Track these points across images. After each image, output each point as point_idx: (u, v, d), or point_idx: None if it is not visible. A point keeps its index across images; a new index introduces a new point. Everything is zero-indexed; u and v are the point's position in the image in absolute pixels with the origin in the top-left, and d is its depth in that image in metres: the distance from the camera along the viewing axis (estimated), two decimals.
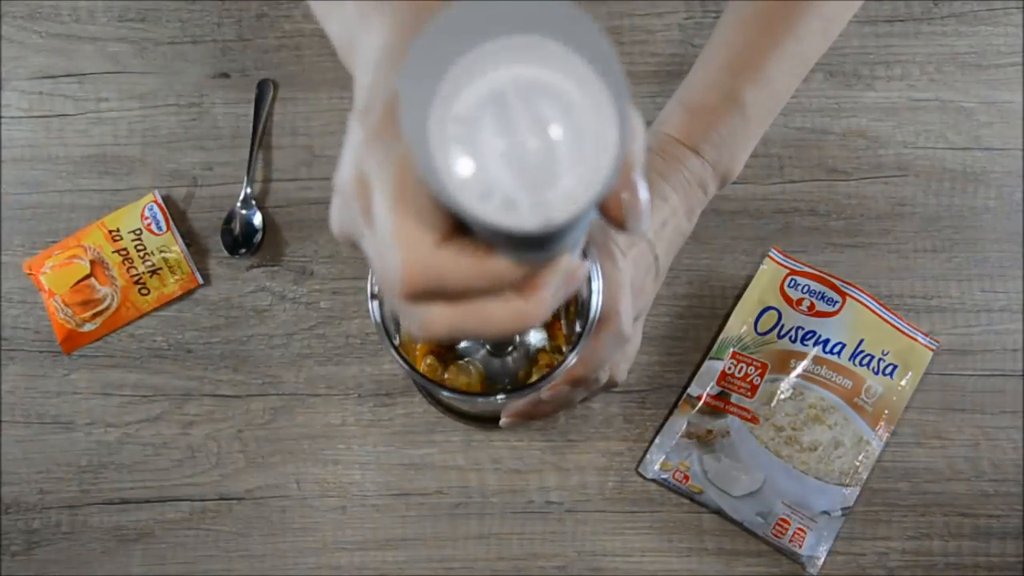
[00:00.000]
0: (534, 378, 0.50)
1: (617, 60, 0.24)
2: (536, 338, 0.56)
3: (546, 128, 0.24)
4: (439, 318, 0.28)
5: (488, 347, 0.55)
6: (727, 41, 0.58)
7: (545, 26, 0.23)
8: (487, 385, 0.55)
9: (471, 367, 0.55)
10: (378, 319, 0.47)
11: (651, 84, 0.70)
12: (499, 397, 0.51)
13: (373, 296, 0.47)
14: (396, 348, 0.47)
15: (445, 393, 0.50)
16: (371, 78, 0.30)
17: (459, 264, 0.26)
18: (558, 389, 0.53)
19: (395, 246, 0.26)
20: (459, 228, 0.26)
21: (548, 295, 0.29)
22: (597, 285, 0.48)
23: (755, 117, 0.57)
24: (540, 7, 0.23)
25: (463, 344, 0.55)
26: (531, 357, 0.56)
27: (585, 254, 0.48)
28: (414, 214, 0.26)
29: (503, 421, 0.58)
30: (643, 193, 0.28)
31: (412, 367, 0.48)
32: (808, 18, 0.56)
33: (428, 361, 0.56)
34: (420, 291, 0.27)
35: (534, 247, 0.26)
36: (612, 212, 0.28)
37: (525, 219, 0.24)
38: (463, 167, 0.24)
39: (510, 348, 0.55)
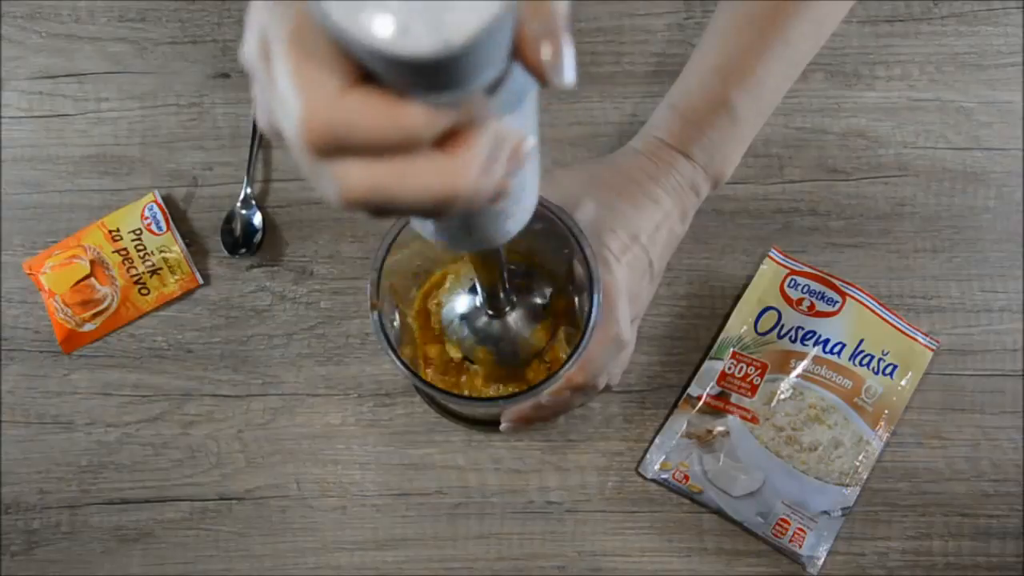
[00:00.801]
0: (534, 383, 0.50)
1: None
2: (537, 296, 0.55)
3: None
4: (353, 175, 0.25)
5: (482, 304, 0.53)
6: (717, 44, 0.58)
7: None
8: (497, 368, 0.55)
9: (479, 349, 0.55)
10: (378, 326, 0.47)
11: (652, 84, 0.70)
12: (500, 402, 0.51)
13: (373, 306, 0.47)
14: (397, 353, 0.47)
15: (446, 398, 0.50)
16: None
17: (367, 110, 0.24)
18: (558, 394, 0.53)
19: (295, 93, 0.24)
20: (366, 78, 0.24)
21: (477, 155, 0.26)
22: (597, 291, 0.48)
23: (746, 120, 0.57)
24: None
25: (464, 333, 0.55)
26: (535, 320, 0.55)
27: (582, 250, 0.48)
28: (315, 59, 0.24)
29: (503, 426, 0.58)
30: (567, 43, 0.25)
31: (413, 372, 0.48)
32: (798, 20, 0.56)
33: (430, 372, 0.57)
34: (325, 141, 0.25)
35: (440, 82, 0.24)
36: (529, 57, 0.25)
37: (421, 42, 0.22)
38: None
39: (506, 306, 0.53)
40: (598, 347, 0.51)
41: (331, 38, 0.23)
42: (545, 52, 0.25)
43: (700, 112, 0.57)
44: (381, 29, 0.22)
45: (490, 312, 0.53)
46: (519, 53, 0.25)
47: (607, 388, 0.58)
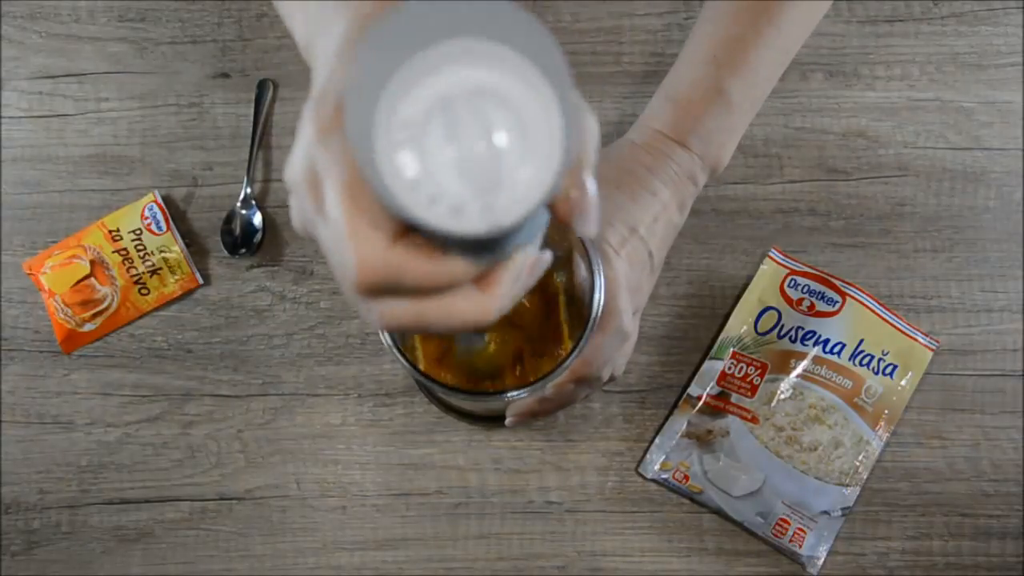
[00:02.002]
0: (538, 376, 0.50)
1: (563, 61, 0.23)
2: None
3: (492, 132, 0.23)
4: (396, 312, 0.28)
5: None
6: (710, 33, 0.58)
7: (492, 28, 0.23)
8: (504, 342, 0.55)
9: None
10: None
11: (652, 84, 0.70)
12: (505, 396, 0.51)
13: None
14: (400, 351, 0.47)
15: (450, 394, 0.50)
16: (326, 71, 0.30)
17: (413, 264, 0.26)
18: (562, 387, 0.53)
19: (348, 243, 0.26)
20: (411, 228, 0.26)
21: (506, 289, 0.29)
22: (599, 284, 0.48)
23: (741, 108, 0.58)
24: (487, 8, 0.23)
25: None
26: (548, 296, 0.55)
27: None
28: (366, 212, 0.26)
29: (508, 420, 0.58)
30: (591, 192, 0.28)
31: (419, 370, 0.48)
32: (789, 7, 0.57)
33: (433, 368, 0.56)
34: (374, 288, 0.27)
35: (486, 247, 0.26)
36: (560, 211, 0.28)
37: (473, 223, 0.24)
38: (409, 172, 0.23)
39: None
40: (601, 339, 0.52)
41: (383, 203, 0.24)
42: (575, 207, 0.28)
43: (695, 101, 0.57)
44: (438, 212, 0.24)
45: None
46: (551, 207, 0.28)
47: (611, 379, 0.58)
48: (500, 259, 0.28)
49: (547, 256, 0.31)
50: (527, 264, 0.30)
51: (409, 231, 0.26)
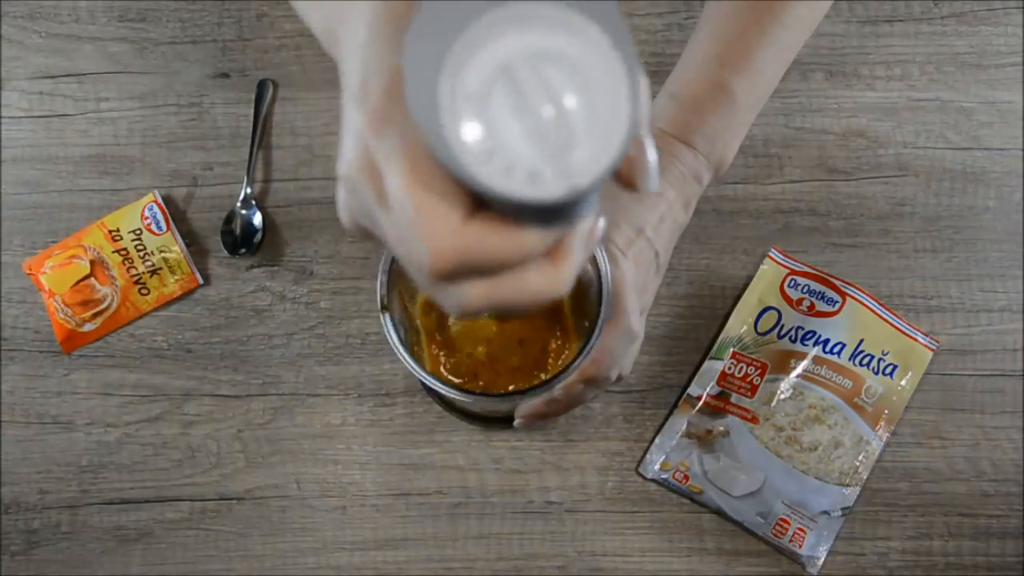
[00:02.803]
0: (546, 378, 0.50)
1: (622, 19, 0.23)
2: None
3: (560, 96, 0.23)
4: (474, 294, 0.28)
5: None
6: (713, 31, 0.58)
7: None
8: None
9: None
10: (390, 328, 0.47)
11: (652, 84, 0.70)
12: (513, 397, 0.51)
13: (384, 308, 0.47)
14: (409, 354, 0.47)
15: (458, 396, 0.50)
16: (360, 60, 0.29)
17: (489, 240, 0.26)
18: (571, 387, 0.53)
19: (419, 228, 0.26)
20: (481, 201, 0.26)
21: (575, 258, 0.28)
22: (607, 285, 0.48)
23: (745, 106, 0.57)
24: None
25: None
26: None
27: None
28: (434, 193, 0.25)
29: (517, 422, 0.58)
30: (651, 152, 0.27)
31: (427, 372, 0.48)
32: (792, 5, 0.57)
33: (441, 370, 0.56)
34: (452, 270, 0.26)
35: (559, 215, 0.26)
36: (623, 172, 0.27)
37: (551, 189, 0.23)
38: (481, 144, 0.23)
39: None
40: (610, 340, 0.52)
41: (456, 179, 0.24)
42: (638, 166, 0.27)
43: (700, 100, 0.57)
44: (514, 180, 0.23)
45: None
46: (616, 171, 0.27)
47: (619, 378, 0.58)
48: (570, 226, 0.28)
49: (603, 222, 0.31)
50: (588, 231, 0.29)
51: (479, 209, 0.26)
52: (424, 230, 0.26)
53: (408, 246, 0.27)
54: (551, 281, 0.28)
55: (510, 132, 0.23)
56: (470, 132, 0.23)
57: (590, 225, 0.29)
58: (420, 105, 0.23)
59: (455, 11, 0.23)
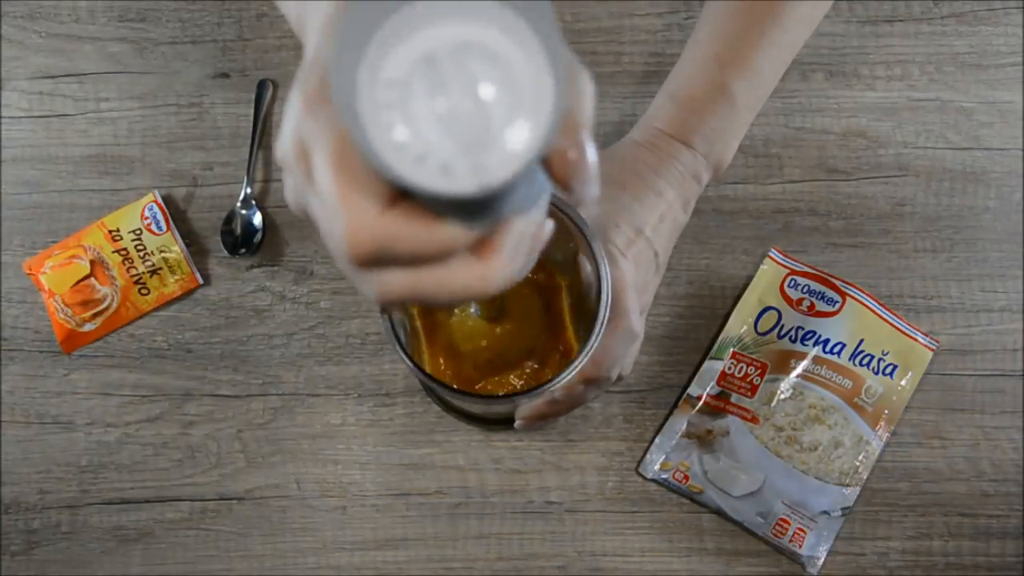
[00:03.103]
0: (547, 379, 0.50)
1: (551, 14, 0.23)
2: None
3: (478, 88, 0.23)
4: (393, 283, 0.27)
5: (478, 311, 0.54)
6: (712, 32, 0.58)
7: None
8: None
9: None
10: (390, 330, 0.47)
11: (652, 84, 0.70)
12: (514, 398, 0.51)
13: (383, 310, 0.47)
14: (409, 356, 0.47)
15: (458, 397, 0.50)
16: (312, 47, 0.29)
17: (406, 230, 0.26)
18: (572, 388, 0.53)
19: (339, 213, 0.26)
20: (405, 192, 0.26)
21: (506, 257, 0.28)
22: (606, 287, 0.48)
23: (744, 106, 0.58)
24: None
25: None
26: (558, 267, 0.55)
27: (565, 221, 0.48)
28: (356, 180, 0.25)
29: (518, 423, 0.58)
30: (591, 155, 0.27)
31: (426, 374, 0.48)
32: (791, 6, 0.57)
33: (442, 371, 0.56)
34: (368, 258, 0.26)
35: (478, 210, 0.25)
36: (557, 172, 0.27)
37: (462, 183, 0.23)
38: (395, 133, 0.23)
39: (499, 314, 0.54)
40: (610, 340, 0.52)
41: (371, 167, 0.24)
42: (573, 169, 0.26)
43: (699, 100, 0.57)
44: (426, 171, 0.23)
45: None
46: (548, 168, 0.27)
47: (619, 378, 0.58)
48: (495, 223, 0.27)
49: (550, 225, 0.30)
50: (529, 232, 0.29)
51: (401, 199, 0.26)
52: (343, 215, 0.26)
53: (330, 229, 0.27)
54: (478, 278, 0.27)
55: (426, 122, 0.23)
56: (385, 119, 0.23)
57: (531, 227, 0.29)
58: (341, 90, 0.23)
59: (384, 3, 0.22)
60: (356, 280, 0.29)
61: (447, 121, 0.23)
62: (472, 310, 0.55)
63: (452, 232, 0.26)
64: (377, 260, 0.26)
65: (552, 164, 0.26)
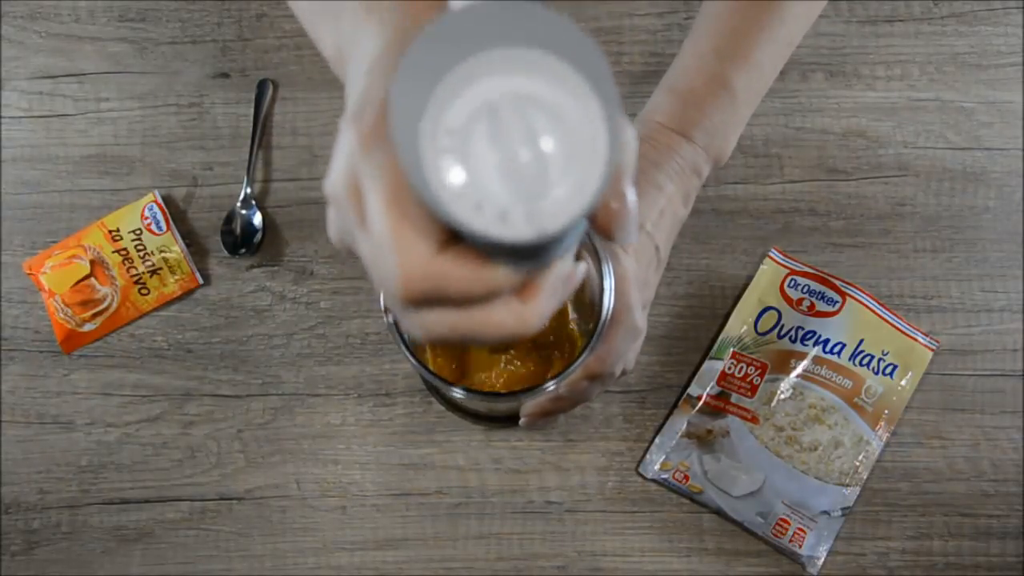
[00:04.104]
0: (551, 376, 0.50)
1: (608, 70, 0.24)
2: None
3: (538, 139, 0.24)
4: (439, 322, 0.28)
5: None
6: (711, 27, 0.58)
7: (537, 36, 0.23)
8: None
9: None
10: (395, 329, 0.47)
11: (652, 84, 0.70)
12: (519, 396, 0.51)
13: (387, 310, 0.47)
14: (413, 354, 0.47)
15: (464, 395, 0.50)
16: (364, 83, 0.30)
17: (458, 272, 0.26)
18: (576, 385, 0.53)
19: (393, 253, 0.26)
20: (456, 235, 0.26)
21: (546, 300, 0.29)
22: (609, 283, 0.48)
23: (744, 100, 0.58)
24: (532, 16, 0.23)
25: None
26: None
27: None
28: (411, 221, 0.26)
29: (523, 421, 0.58)
30: (631, 203, 0.28)
31: (432, 372, 0.48)
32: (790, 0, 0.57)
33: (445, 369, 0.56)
34: (419, 297, 0.27)
35: (529, 255, 0.26)
36: (601, 222, 0.28)
37: (519, 230, 0.24)
38: (455, 179, 0.24)
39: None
40: (614, 336, 0.52)
41: (429, 210, 0.25)
42: (616, 217, 0.28)
43: (699, 94, 0.57)
44: (484, 219, 0.24)
45: None
46: (592, 217, 0.28)
47: (623, 373, 0.58)
48: (542, 268, 0.28)
49: (583, 267, 0.31)
50: (564, 275, 0.30)
51: (453, 241, 0.27)
52: (397, 255, 0.26)
53: (381, 269, 0.28)
54: (518, 319, 0.28)
55: (485, 170, 0.24)
56: (446, 165, 0.24)
57: (567, 270, 0.30)
58: (402, 134, 0.24)
59: (449, 47, 0.23)
60: (402, 317, 0.29)
61: (505, 169, 0.24)
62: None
63: (502, 276, 0.27)
64: (428, 300, 0.27)
65: (596, 214, 0.28)
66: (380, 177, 0.26)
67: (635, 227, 0.29)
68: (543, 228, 0.24)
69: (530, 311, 0.29)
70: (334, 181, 0.29)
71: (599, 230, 0.28)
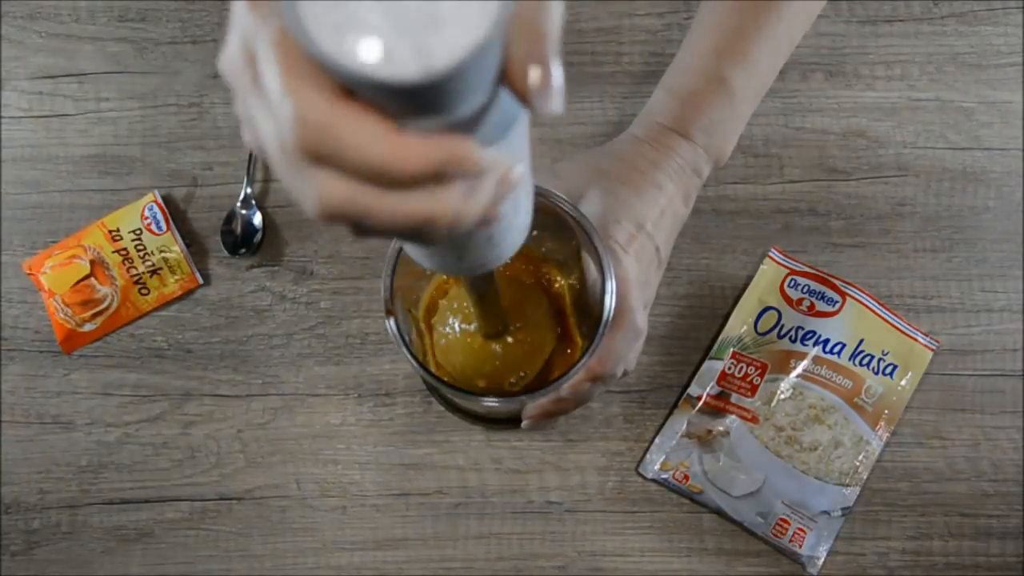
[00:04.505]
0: (553, 377, 0.50)
1: None
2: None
3: None
4: (335, 189, 0.25)
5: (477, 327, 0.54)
6: (710, 26, 0.58)
7: None
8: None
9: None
10: (396, 331, 0.47)
11: (652, 84, 0.70)
12: (521, 398, 0.51)
13: (388, 312, 0.47)
14: (413, 355, 0.47)
15: (464, 397, 0.50)
16: None
17: (360, 124, 0.24)
18: (578, 386, 0.53)
19: (288, 99, 0.24)
20: (350, 94, 0.24)
21: (460, 190, 0.26)
22: (610, 285, 0.48)
23: (743, 99, 0.58)
24: None
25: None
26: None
27: (570, 228, 0.48)
28: (304, 71, 0.24)
29: (524, 423, 0.58)
30: (556, 70, 0.25)
31: (433, 375, 0.48)
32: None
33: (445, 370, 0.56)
34: (313, 147, 0.25)
35: (426, 106, 0.24)
36: (517, 82, 0.25)
37: (405, 67, 0.22)
38: (333, 16, 0.22)
39: (500, 329, 0.54)
40: (615, 337, 0.52)
41: (313, 59, 0.23)
42: (533, 78, 0.24)
43: (698, 93, 0.57)
44: (365, 53, 0.22)
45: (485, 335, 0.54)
46: (506, 78, 0.25)
47: (624, 373, 0.58)
48: (442, 126, 0.25)
49: (520, 169, 0.29)
50: (496, 168, 0.27)
51: (348, 96, 0.24)
52: (293, 100, 0.24)
53: (275, 125, 0.25)
54: (430, 202, 0.25)
55: (367, 5, 0.22)
56: (325, 8, 0.22)
57: (497, 164, 0.27)
58: None
59: None
60: (295, 183, 0.27)
61: (390, 5, 0.22)
62: (471, 327, 0.55)
63: (406, 139, 0.24)
64: (324, 151, 0.25)
65: (513, 73, 0.25)
66: (270, 38, 0.25)
67: (559, 98, 0.25)
68: (431, 66, 0.22)
69: (438, 199, 0.26)
70: (229, 55, 0.27)
71: (517, 94, 0.25)
